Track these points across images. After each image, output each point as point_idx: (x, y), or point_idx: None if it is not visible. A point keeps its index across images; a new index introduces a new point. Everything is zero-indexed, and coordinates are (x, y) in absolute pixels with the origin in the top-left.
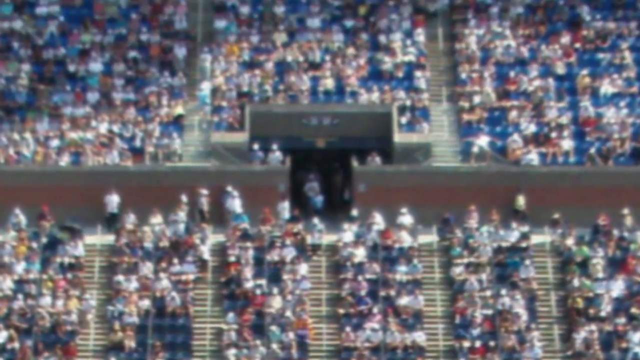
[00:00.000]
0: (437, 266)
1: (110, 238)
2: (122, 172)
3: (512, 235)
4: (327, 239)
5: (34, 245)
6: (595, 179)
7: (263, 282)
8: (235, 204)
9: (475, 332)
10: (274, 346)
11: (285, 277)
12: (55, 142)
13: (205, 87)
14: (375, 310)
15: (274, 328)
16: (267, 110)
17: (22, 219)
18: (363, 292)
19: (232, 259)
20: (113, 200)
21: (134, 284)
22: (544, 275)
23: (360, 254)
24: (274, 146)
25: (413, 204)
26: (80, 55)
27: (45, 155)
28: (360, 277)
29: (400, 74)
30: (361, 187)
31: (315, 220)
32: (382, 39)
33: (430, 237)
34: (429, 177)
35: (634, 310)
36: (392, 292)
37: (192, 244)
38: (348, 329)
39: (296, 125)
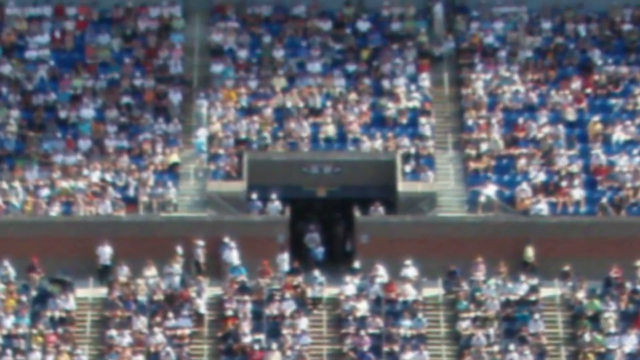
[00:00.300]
0: (443, 320)
1: (102, 291)
2: (115, 223)
3: (521, 288)
4: (328, 292)
5: (24, 298)
6: (607, 230)
7: (262, 337)
8: (233, 256)
9: None
10: None
11: (284, 331)
12: (45, 192)
13: (202, 134)
14: None
15: None
16: (265, 158)
17: (11, 271)
18: (366, 348)
19: (230, 313)
20: (105, 252)
21: (127, 339)
22: (554, 330)
23: (362, 307)
24: (273, 195)
25: (418, 256)
26: (72, 101)
27: (35, 205)
28: (362, 332)
29: (404, 121)
30: (363, 238)
31: (316, 273)
32: (386, 84)
33: (435, 290)
34: (434, 228)
35: None
36: (396, 348)
37: (187, 298)
38: None
39: (296, 174)
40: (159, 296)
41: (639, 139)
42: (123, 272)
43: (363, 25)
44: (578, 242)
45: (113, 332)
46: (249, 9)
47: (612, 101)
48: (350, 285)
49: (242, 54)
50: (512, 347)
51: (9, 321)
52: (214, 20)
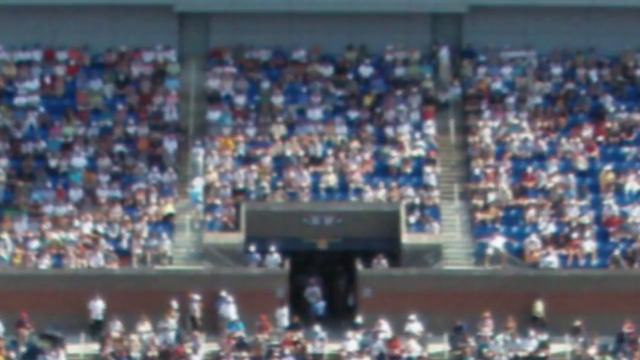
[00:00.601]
0: None
1: (94, 347)
2: (107, 276)
3: (530, 344)
4: (330, 348)
5: (12, 355)
6: (620, 284)
7: None
8: (230, 310)
9: None
10: None
11: None
12: (35, 244)
13: (198, 184)
14: None
15: None
16: (264, 208)
17: (0, 326)
18: None
19: None
20: (98, 307)
21: None
22: None
23: None
24: (272, 248)
25: (422, 311)
26: (62, 149)
27: (24, 257)
28: None
29: (408, 170)
30: (366, 292)
31: (317, 328)
32: (389, 131)
33: (441, 347)
34: (439, 281)
35: None
36: None
37: (183, 354)
38: None
39: (296, 225)
40: (153, 352)
41: None
42: (116, 328)
43: (366, 71)
44: (589, 296)
45: None
46: (246, 54)
47: (625, 149)
48: (353, 341)
49: (240, 100)
50: None
51: None
52: (210, 65)
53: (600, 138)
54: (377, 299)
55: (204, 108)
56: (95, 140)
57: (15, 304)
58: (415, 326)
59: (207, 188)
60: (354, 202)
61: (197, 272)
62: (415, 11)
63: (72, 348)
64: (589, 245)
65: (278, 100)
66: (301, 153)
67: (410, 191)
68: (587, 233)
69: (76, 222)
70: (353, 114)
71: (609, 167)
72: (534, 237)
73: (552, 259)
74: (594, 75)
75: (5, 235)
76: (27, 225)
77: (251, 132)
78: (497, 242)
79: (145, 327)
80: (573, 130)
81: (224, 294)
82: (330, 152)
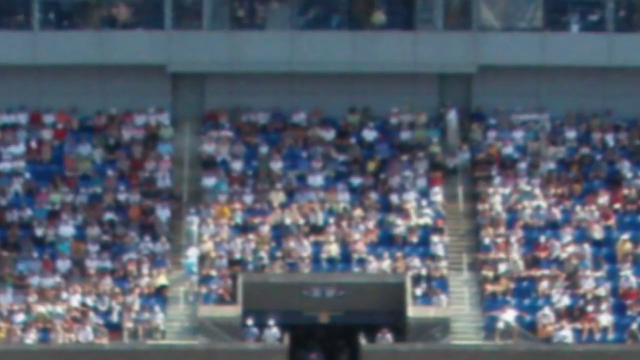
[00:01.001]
0: None
1: None
2: (97, 351)
3: None
4: None
5: None
6: (637, 359)
7: None
8: None
9: None
10: None
11: None
12: (20, 317)
13: (192, 254)
14: None
15: None
16: (262, 280)
17: None
18: None
19: None
20: None
21: None
22: None
23: None
24: (271, 321)
25: None
26: (49, 218)
27: (9, 331)
28: None
29: (414, 239)
30: None
31: None
32: (394, 198)
33: None
34: (447, 357)
35: None
36: None
37: None
38: None
39: (296, 298)
40: None
41: None
42: None
43: (369, 135)
44: None
45: None
46: (243, 117)
47: None
48: None
49: (237, 165)
50: None
51: None
52: (205, 128)
53: (617, 206)
54: None
55: (198, 174)
56: (83, 208)
57: None
58: None
59: (202, 258)
60: (357, 273)
61: (192, 347)
62: (422, 72)
63: None
64: (605, 319)
65: (277, 165)
66: (301, 221)
67: (416, 262)
68: (603, 306)
69: (64, 295)
70: (356, 181)
71: (626, 236)
72: (547, 310)
73: (566, 333)
74: (610, 139)
75: None
76: (12, 298)
77: (248, 199)
78: (508, 316)
79: None
80: (588, 197)
81: None
82: (331, 220)
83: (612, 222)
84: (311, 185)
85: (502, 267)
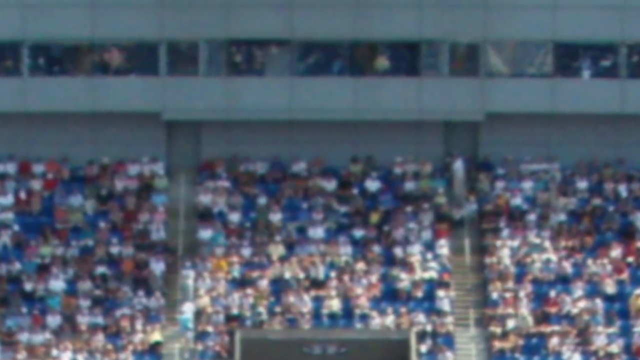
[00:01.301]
0: None
1: None
2: None
3: None
4: None
5: None
6: None
7: None
8: None
9: None
10: None
11: None
12: None
13: (188, 310)
14: None
15: None
16: (261, 336)
17: None
18: None
19: None
20: None
21: None
22: None
23: None
24: None
25: None
26: (39, 272)
27: None
28: None
29: (419, 294)
30: None
31: None
32: (398, 252)
33: None
34: None
35: None
36: None
37: None
38: None
39: (296, 355)
40: None
41: None
42: None
43: (372, 185)
44: None
45: None
46: (241, 166)
47: None
48: None
49: (234, 217)
50: None
51: None
52: (201, 178)
53: (630, 259)
54: None
55: (194, 226)
56: (74, 261)
57: None
58: None
59: (198, 314)
60: (359, 329)
61: None
62: (427, 119)
63: None
64: None
65: (276, 217)
66: (301, 275)
67: (421, 317)
68: None
69: (54, 352)
70: (358, 233)
71: (639, 290)
72: None
73: None
74: (623, 190)
75: None
76: (1, 355)
77: (246, 252)
78: None
79: None
80: (600, 250)
81: None
82: (333, 274)
83: (625, 276)
84: (312, 237)
85: (510, 323)
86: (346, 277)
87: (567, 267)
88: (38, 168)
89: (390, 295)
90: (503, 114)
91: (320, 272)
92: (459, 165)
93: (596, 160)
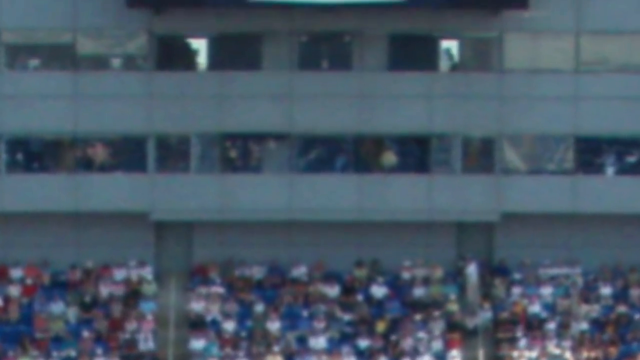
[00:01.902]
0: None
1: None
2: None
3: None
4: None
5: None
6: None
7: None
8: None
9: None
10: None
11: None
12: None
13: None
14: None
15: None
16: None
17: None
18: None
19: None
20: None
21: None
22: None
23: None
24: None
25: None
26: None
27: None
28: None
29: None
30: None
31: None
32: None
33: None
34: None
35: None
36: None
37: None
38: None
39: None
40: None
41: None
42: None
43: (378, 291)
44: None
45: None
46: (236, 271)
47: None
48: None
49: (229, 326)
50: None
51: None
52: (193, 284)
53: None
54: None
55: (185, 335)
56: None
57: None
58: None
59: None
60: None
61: None
62: (438, 220)
63: None
64: None
65: (274, 326)
66: None
67: None
68: None
69: None
70: (363, 343)
71: None
72: None
73: None
74: None
75: None
76: None
77: None
78: None
79: None
80: None
81: None
82: None
83: None
84: (313, 348)
85: None
86: None
87: None
88: (16, 273)
89: None
90: (520, 214)
91: None
92: (472, 270)
93: (621, 264)
